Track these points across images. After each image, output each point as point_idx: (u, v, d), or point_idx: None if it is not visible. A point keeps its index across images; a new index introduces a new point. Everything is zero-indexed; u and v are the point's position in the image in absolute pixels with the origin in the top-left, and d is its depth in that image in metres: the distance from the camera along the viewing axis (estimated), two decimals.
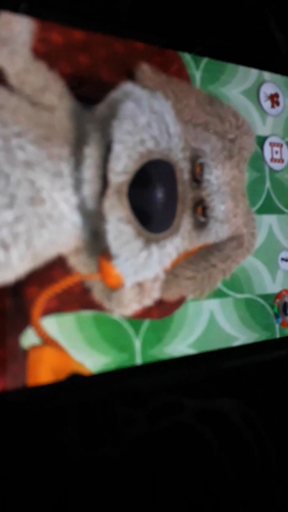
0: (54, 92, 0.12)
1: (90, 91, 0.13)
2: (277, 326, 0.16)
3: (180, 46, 0.14)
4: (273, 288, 0.16)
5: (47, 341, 0.12)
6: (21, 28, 0.12)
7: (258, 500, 0.17)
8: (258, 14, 0.19)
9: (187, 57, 0.15)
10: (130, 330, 0.13)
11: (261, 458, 0.17)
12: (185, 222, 0.14)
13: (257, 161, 0.16)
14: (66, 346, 0.12)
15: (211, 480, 0.16)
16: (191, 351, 0.14)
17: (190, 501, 0.16)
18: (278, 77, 0.17)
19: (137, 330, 0.13)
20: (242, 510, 0.17)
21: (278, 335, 0.16)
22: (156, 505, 0.15)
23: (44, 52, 0.12)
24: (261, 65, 0.17)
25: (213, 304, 0.15)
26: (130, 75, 0.13)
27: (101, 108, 0.13)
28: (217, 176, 0.15)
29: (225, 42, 0.16)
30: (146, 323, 0.13)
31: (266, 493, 0.17)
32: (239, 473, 0.17)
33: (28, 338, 0.11)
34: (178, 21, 0.16)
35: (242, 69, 0.16)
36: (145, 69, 0.14)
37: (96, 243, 0.13)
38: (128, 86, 0.13)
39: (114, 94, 0.13)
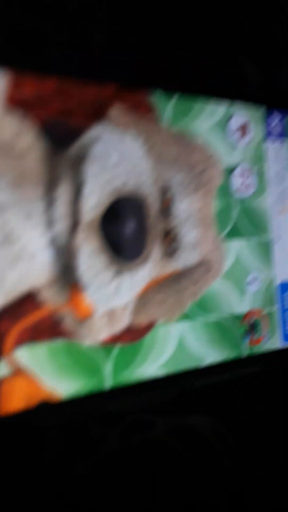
0: (27, 139, 0.13)
1: (62, 136, 0.14)
2: (245, 345, 0.17)
3: (150, 85, 0.15)
4: (241, 308, 0.17)
5: (19, 370, 0.13)
6: None
7: (228, 508, 0.18)
8: (229, 48, 0.20)
9: (156, 96, 0.16)
10: (100, 356, 0.14)
11: (232, 470, 0.18)
12: (155, 251, 0.15)
13: (225, 190, 0.17)
14: (39, 374, 0.13)
15: (183, 493, 0.17)
16: (160, 373, 0.15)
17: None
18: (247, 109, 0.18)
19: (107, 355, 0.14)
20: None
21: (246, 353, 0.17)
22: None
23: (17, 101, 0.13)
24: (231, 98, 0.18)
25: (183, 326, 0.16)
26: (101, 118, 0.14)
27: (73, 151, 0.14)
28: (185, 207, 0.16)
29: (196, 80, 0.17)
30: (116, 348, 0.14)
31: (237, 506, 0.18)
32: (209, 486, 0.18)
33: (1, 369, 0.12)
34: (149, 59, 0.17)
35: (210, 104, 0.17)
36: (114, 111, 0.15)
37: (67, 276, 0.14)
38: (98, 129, 0.14)
39: (85, 137, 0.14)
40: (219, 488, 0.18)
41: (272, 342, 0.18)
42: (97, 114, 0.14)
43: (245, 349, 0.17)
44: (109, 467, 0.15)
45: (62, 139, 0.14)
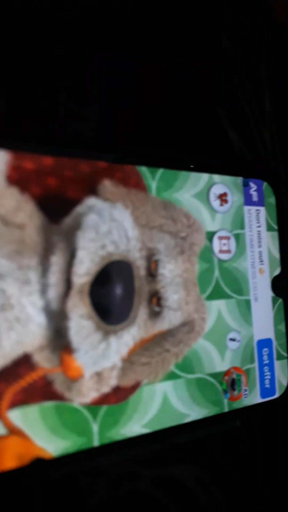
0: (25, 212, 0.14)
1: (57, 208, 0.15)
2: (225, 401, 0.18)
3: (137, 161, 0.17)
4: (221, 366, 0.18)
5: (12, 431, 0.13)
6: None
7: None
8: (211, 115, 0.22)
9: (143, 170, 0.17)
10: (88, 416, 0.15)
11: None
12: (141, 312, 0.16)
13: (207, 253, 0.18)
14: (30, 434, 0.14)
15: None
16: (145, 430, 0.16)
17: None
18: (226, 178, 0.19)
19: (94, 415, 0.15)
20: None
21: (226, 409, 0.18)
22: None
23: (16, 178, 0.14)
24: (213, 169, 0.19)
25: (166, 386, 0.17)
26: (94, 191, 0.16)
27: (67, 222, 0.15)
28: (170, 270, 0.17)
29: (179, 153, 0.18)
30: (103, 408, 0.15)
31: None
32: None
33: None
34: (135, 137, 0.18)
35: (193, 174, 0.18)
36: (106, 184, 0.16)
37: (59, 340, 0.14)
38: (91, 201, 0.16)
39: (79, 208, 0.15)
40: None
41: (251, 398, 0.19)
42: (89, 187, 0.16)
43: (226, 405, 0.18)
44: None
45: (57, 211, 0.15)
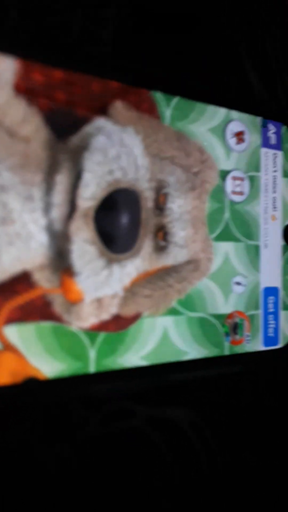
0: (31, 125, 0.13)
1: (65, 125, 0.14)
2: (226, 344, 0.18)
3: (152, 85, 0.16)
4: (225, 309, 0.18)
5: (7, 347, 0.13)
6: (5, 66, 0.13)
7: (203, 503, 0.19)
8: (233, 55, 0.21)
9: (158, 95, 0.16)
10: (86, 341, 0.14)
11: (208, 464, 0.19)
12: (146, 245, 0.16)
13: (219, 193, 0.18)
14: (25, 352, 0.13)
15: (158, 482, 0.18)
16: (143, 363, 0.16)
17: (137, 500, 0.17)
18: (245, 116, 0.19)
19: (92, 341, 0.15)
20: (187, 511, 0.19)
21: (227, 352, 0.18)
22: (105, 502, 0.16)
23: (25, 88, 0.13)
24: (232, 105, 0.18)
25: (167, 321, 0.16)
26: (104, 112, 0.15)
27: (74, 140, 0.14)
28: (179, 205, 0.17)
29: (198, 83, 0.17)
30: (102, 335, 0.15)
31: (210, 498, 0.19)
32: (185, 477, 0.18)
33: None
34: (153, 61, 0.17)
35: (210, 107, 0.17)
36: (118, 106, 0.15)
37: (60, 261, 0.14)
38: (100, 122, 0.15)
39: (87, 128, 0.15)
40: (194, 481, 0.18)
41: (253, 344, 0.19)
42: (100, 108, 0.15)
43: (227, 348, 0.18)
44: (89, 451, 0.16)
45: (64, 128, 0.14)
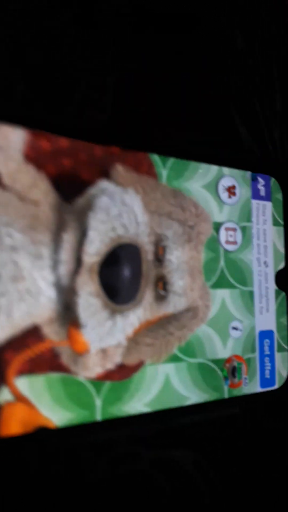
0: (40, 189, 0.15)
1: (71, 188, 0.15)
2: (226, 387, 0.18)
3: (149, 149, 0.17)
4: (223, 353, 0.19)
5: (19, 398, 0.14)
6: (16, 137, 0.15)
7: None
8: (223, 112, 0.22)
9: (155, 157, 0.18)
10: (92, 390, 0.15)
11: (212, 505, 0.19)
12: (148, 295, 0.17)
13: (214, 243, 0.19)
14: (36, 402, 0.14)
15: None
16: (147, 409, 0.16)
17: None
18: (235, 171, 0.20)
19: (98, 390, 0.15)
20: None
21: (226, 396, 0.18)
22: None
23: (33, 156, 0.15)
24: (223, 162, 0.20)
25: (169, 368, 0.17)
26: (106, 175, 0.16)
27: (79, 202, 0.16)
28: (177, 256, 0.18)
29: (191, 144, 0.19)
30: (107, 384, 0.15)
31: None
32: None
33: (3, 395, 0.13)
34: (148, 125, 0.19)
35: (203, 165, 0.19)
36: (119, 169, 0.17)
37: (67, 314, 0.15)
38: (103, 184, 0.16)
39: (92, 190, 0.16)
40: None
41: (251, 387, 0.19)
42: (102, 171, 0.16)
43: (226, 392, 0.18)
44: (98, 494, 0.16)
45: (70, 191, 0.15)
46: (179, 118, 0.21)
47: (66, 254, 0.15)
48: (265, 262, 0.21)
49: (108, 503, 0.17)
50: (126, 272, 0.16)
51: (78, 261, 0.15)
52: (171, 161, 0.18)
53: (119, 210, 0.16)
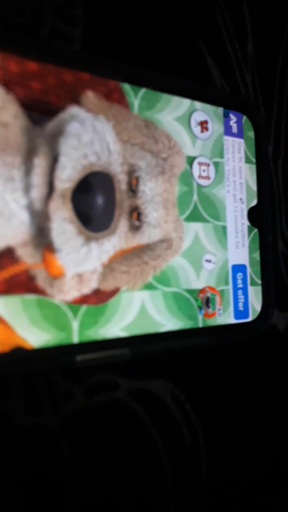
0: (9, 112, 0.15)
1: (41, 113, 0.15)
2: (200, 316, 0.19)
3: (121, 77, 0.17)
4: (197, 284, 0.19)
5: None
6: None
7: (185, 474, 0.20)
8: (195, 52, 0.22)
9: (127, 87, 0.17)
10: (69, 313, 0.15)
11: (190, 436, 0.20)
12: (122, 224, 0.17)
13: (187, 177, 0.19)
14: (12, 323, 0.14)
15: (141, 453, 0.19)
16: (123, 333, 0.17)
17: (121, 470, 0.18)
18: (208, 106, 0.20)
19: (75, 313, 0.15)
20: (170, 481, 0.19)
21: (201, 325, 0.19)
22: (91, 471, 0.17)
23: (1, 78, 0.14)
24: (195, 96, 0.20)
25: (144, 295, 0.17)
26: (77, 101, 0.16)
27: (50, 126, 0.15)
28: (150, 188, 0.18)
29: (163, 75, 0.19)
30: (83, 308, 0.16)
31: (193, 467, 0.20)
32: (169, 449, 0.19)
33: None
34: (123, 55, 0.19)
35: (175, 98, 0.19)
36: (90, 96, 0.16)
37: (42, 238, 0.15)
38: (74, 109, 0.16)
39: (62, 115, 0.16)
40: (177, 453, 0.19)
41: (225, 317, 0.20)
42: (72, 97, 0.16)
43: (200, 321, 0.19)
44: (74, 422, 0.17)
45: (40, 115, 0.15)
46: (150, 56, 0.21)
47: (37, 178, 0.15)
48: (241, 199, 0.21)
49: (85, 432, 0.17)
50: (99, 200, 0.16)
51: (50, 186, 0.15)
52: (143, 91, 0.18)
53: (90, 137, 0.16)
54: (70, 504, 0.17)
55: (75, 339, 0.15)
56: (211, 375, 0.21)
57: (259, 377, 0.23)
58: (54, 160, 0.15)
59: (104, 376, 0.18)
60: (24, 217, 0.15)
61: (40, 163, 0.15)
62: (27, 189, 0.15)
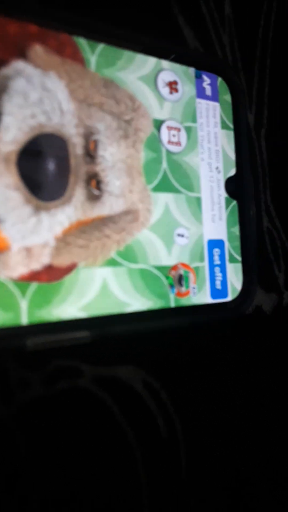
0: None
1: None
2: (172, 296, 0.17)
3: (74, 30, 0.16)
4: (168, 260, 0.17)
5: None
6: None
7: (161, 468, 0.18)
8: (164, 10, 0.21)
9: (82, 41, 0.16)
10: (15, 291, 0.14)
11: (166, 427, 0.18)
12: (78, 193, 0.15)
13: (154, 142, 0.17)
14: None
15: (109, 446, 0.17)
16: (82, 314, 0.15)
17: (87, 465, 0.16)
18: (176, 66, 0.18)
19: (23, 291, 0.14)
20: (145, 476, 0.18)
21: (173, 305, 0.17)
22: (52, 466, 0.15)
23: None
24: (161, 54, 0.18)
25: (106, 272, 0.16)
26: (23, 56, 0.14)
27: None
28: (112, 153, 0.16)
29: (124, 30, 0.17)
30: (33, 285, 0.14)
31: (170, 460, 0.18)
32: (141, 441, 0.18)
33: None
34: (84, 10, 0.17)
35: (139, 56, 0.17)
36: (37, 50, 0.15)
37: None
38: (19, 64, 0.14)
39: (5, 71, 0.14)
40: (149, 444, 0.18)
41: (200, 297, 0.18)
42: (18, 51, 0.14)
43: (172, 300, 0.17)
44: (31, 413, 0.15)
45: None
46: (109, 10, 0.19)
47: None
48: (217, 168, 0.19)
49: (44, 424, 0.15)
50: (50, 164, 0.15)
51: None
52: (101, 46, 0.16)
53: (39, 95, 0.14)
54: (29, 501, 0.15)
55: (24, 320, 0.14)
56: (188, 361, 0.19)
57: (241, 363, 0.21)
58: None
59: (65, 362, 0.16)
60: None
61: None
62: None
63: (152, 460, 0.18)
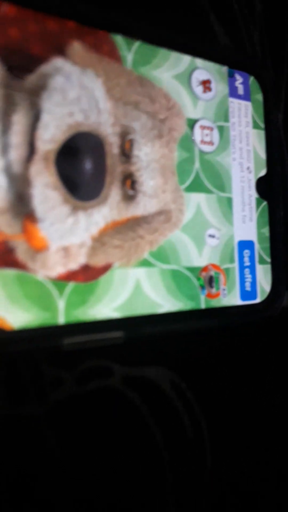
0: None
1: (21, 64, 0.13)
2: (202, 297, 0.17)
3: (112, 28, 0.15)
4: (199, 261, 0.17)
5: None
6: None
7: (187, 468, 0.18)
8: (198, 8, 0.20)
9: (119, 39, 0.15)
10: (53, 291, 0.14)
11: (192, 427, 0.18)
12: (114, 193, 0.15)
13: (187, 141, 0.17)
14: None
15: (138, 445, 0.17)
16: (116, 314, 0.15)
17: (116, 464, 0.16)
18: (210, 65, 0.18)
19: (61, 291, 0.14)
20: (171, 475, 0.18)
21: (203, 306, 0.17)
22: (82, 465, 0.16)
23: None
24: (196, 52, 0.18)
25: (140, 273, 0.16)
26: (61, 53, 0.14)
27: (31, 80, 0.14)
28: (146, 153, 0.16)
29: (161, 29, 0.17)
30: (70, 285, 0.14)
31: (196, 459, 0.18)
32: (169, 441, 0.18)
33: None
34: (116, 6, 0.17)
35: (174, 54, 0.17)
36: (76, 47, 0.14)
37: (22, 206, 0.13)
38: (58, 62, 0.14)
39: (44, 68, 0.14)
40: (176, 444, 0.18)
41: (230, 298, 0.18)
42: (57, 48, 0.14)
43: (203, 302, 0.17)
44: (63, 412, 0.15)
45: (20, 66, 0.13)
46: (144, 8, 0.19)
47: (16, 137, 0.13)
48: (248, 168, 0.19)
49: (75, 423, 0.15)
50: (88, 164, 0.14)
51: (31, 148, 0.13)
52: (137, 44, 0.16)
53: (77, 93, 0.14)
54: (59, 503, 0.15)
55: (61, 319, 0.14)
56: (215, 362, 0.19)
57: (268, 364, 0.21)
58: (35, 118, 0.14)
59: (97, 362, 0.16)
60: (1, 180, 0.13)
61: (19, 120, 0.13)
62: (4, 149, 0.13)
63: (178, 459, 0.18)
